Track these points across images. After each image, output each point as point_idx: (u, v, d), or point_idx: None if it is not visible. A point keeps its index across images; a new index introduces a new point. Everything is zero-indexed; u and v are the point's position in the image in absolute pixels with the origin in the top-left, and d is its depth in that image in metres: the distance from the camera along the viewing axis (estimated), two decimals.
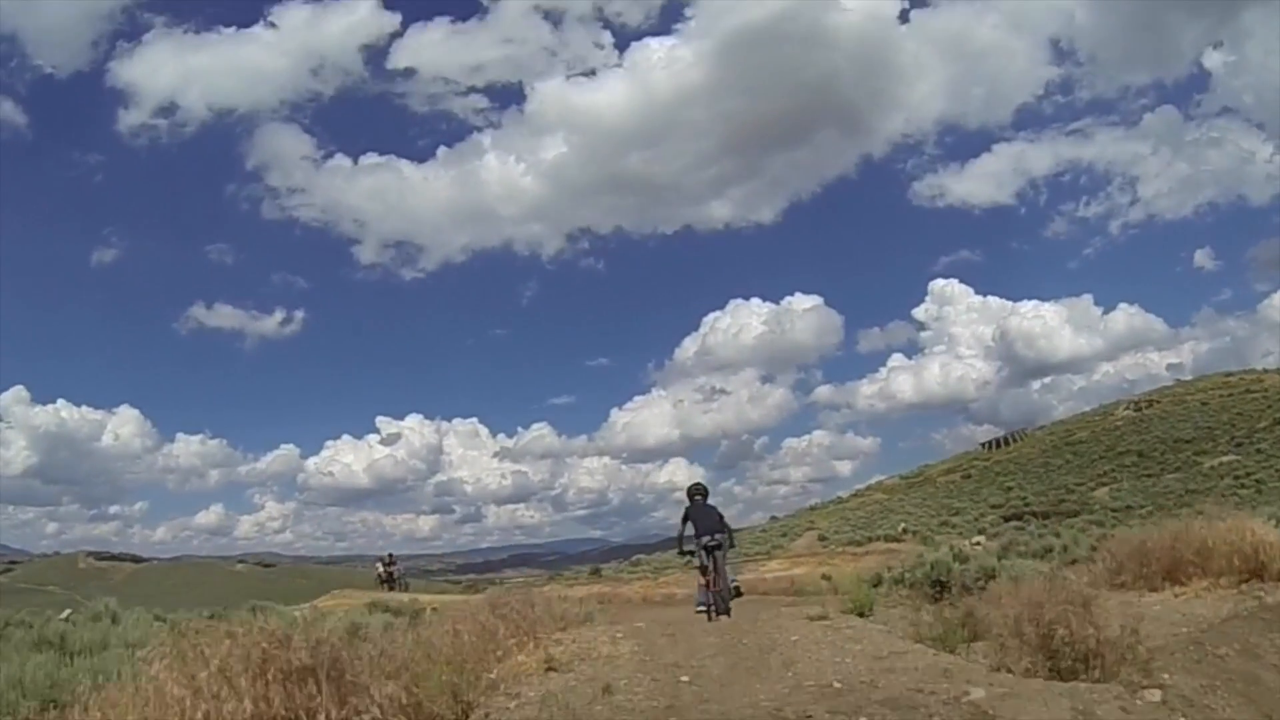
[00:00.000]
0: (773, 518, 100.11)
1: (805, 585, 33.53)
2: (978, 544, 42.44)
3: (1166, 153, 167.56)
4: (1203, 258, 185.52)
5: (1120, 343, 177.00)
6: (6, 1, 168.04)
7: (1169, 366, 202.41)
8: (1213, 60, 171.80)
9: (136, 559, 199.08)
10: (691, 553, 12.56)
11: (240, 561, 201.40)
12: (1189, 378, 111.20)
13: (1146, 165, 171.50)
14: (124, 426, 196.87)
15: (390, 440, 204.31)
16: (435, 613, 29.79)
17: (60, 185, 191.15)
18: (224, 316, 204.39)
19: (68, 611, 19.37)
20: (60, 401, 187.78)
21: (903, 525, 62.65)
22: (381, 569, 41.85)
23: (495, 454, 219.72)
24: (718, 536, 12.43)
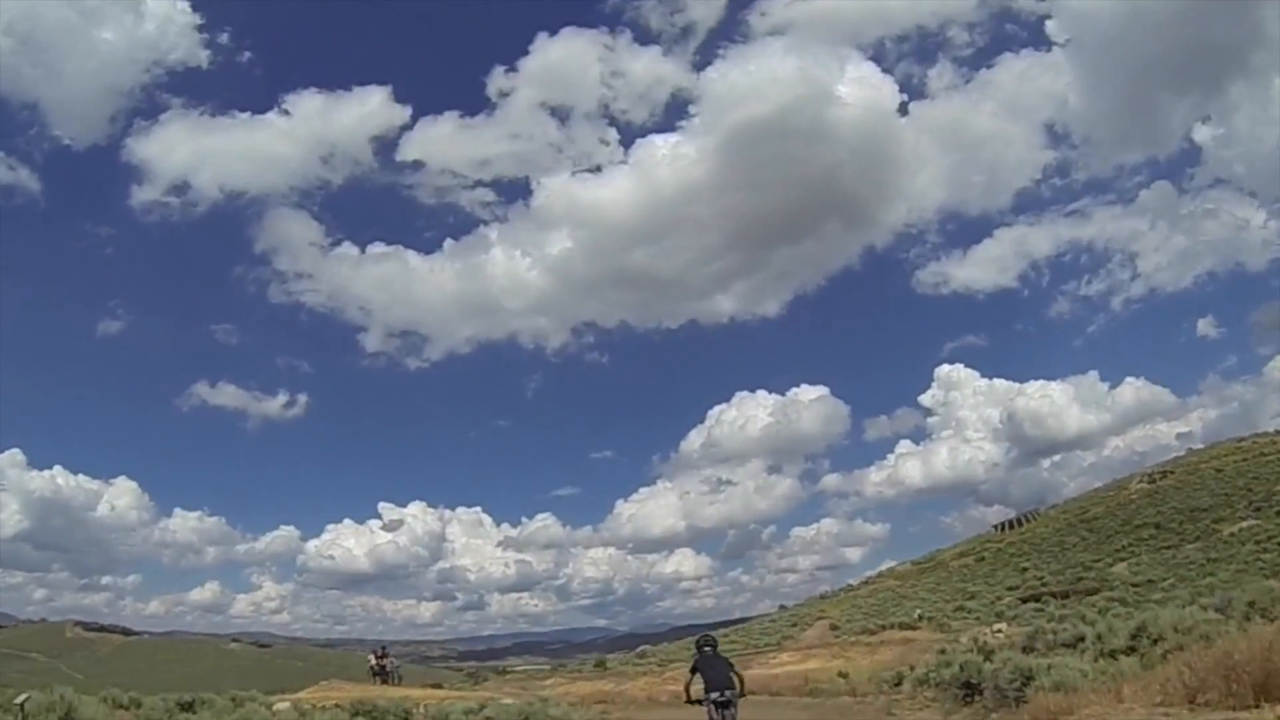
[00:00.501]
0: (782, 606, 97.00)
1: (819, 682, 30.86)
2: (999, 632, 39.85)
3: (1164, 227, 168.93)
4: (1205, 326, 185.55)
5: (1128, 416, 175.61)
6: (29, 69, 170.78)
7: (1178, 436, 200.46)
8: (1202, 134, 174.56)
9: (127, 632, 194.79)
10: (699, 702, 11.61)
11: (235, 640, 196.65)
12: (1200, 446, 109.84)
13: (1145, 240, 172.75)
14: (121, 498, 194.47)
15: (392, 526, 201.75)
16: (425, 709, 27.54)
17: (70, 255, 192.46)
18: (227, 395, 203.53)
19: (25, 696, 17.14)
20: (57, 468, 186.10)
21: (919, 612, 59.66)
22: (374, 661, 39.41)
23: (499, 543, 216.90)
24: (728, 693, 11.49)
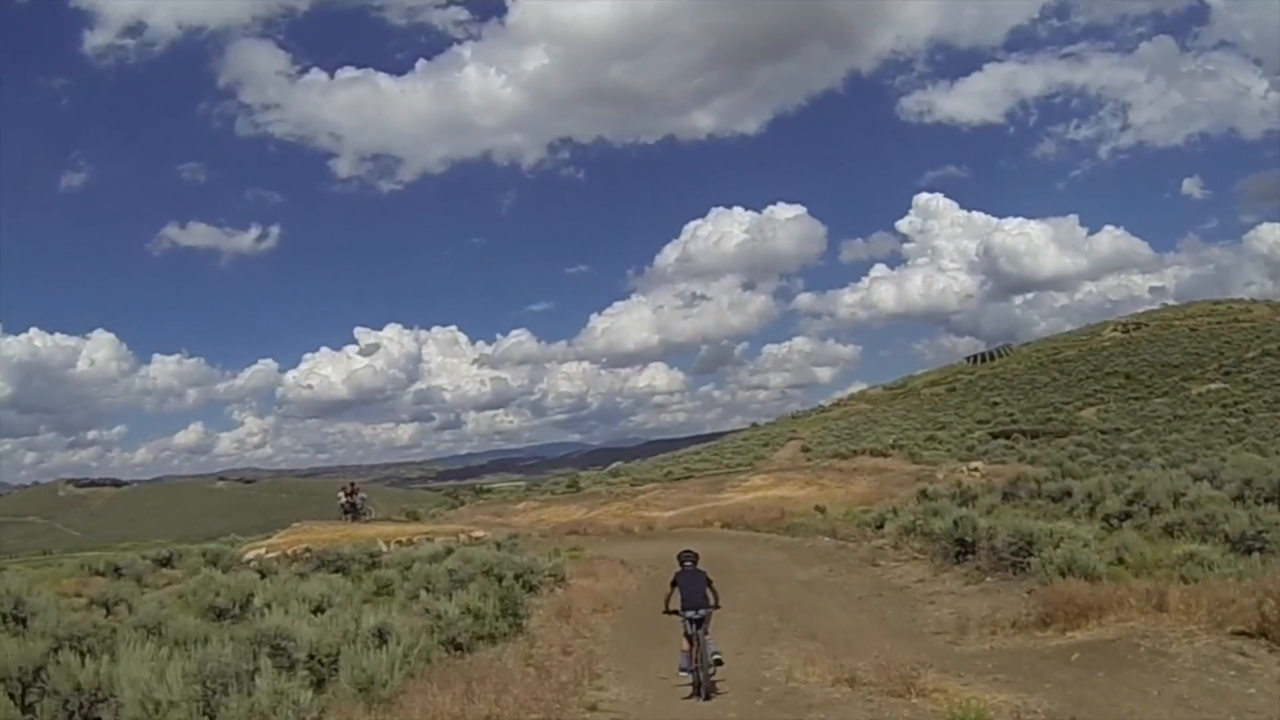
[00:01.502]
0: (754, 424, 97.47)
1: (795, 515, 30.05)
2: (975, 470, 39.30)
3: (1161, 82, 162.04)
4: (1191, 186, 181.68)
5: (1104, 263, 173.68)
6: None
7: (1152, 289, 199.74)
8: None
9: (117, 483, 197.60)
10: (676, 613, 11.88)
11: (220, 479, 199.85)
12: (1172, 302, 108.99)
13: (1140, 93, 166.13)
14: (99, 351, 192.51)
15: (369, 351, 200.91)
16: (392, 551, 26.80)
17: (24, 111, 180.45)
18: (198, 235, 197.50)
19: None
20: (33, 330, 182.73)
21: (894, 438, 59.50)
22: (344, 498, 38.27)
23: (474, 361, 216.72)
24: (702, 611, 11.71)
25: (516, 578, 19.83)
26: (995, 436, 60.73)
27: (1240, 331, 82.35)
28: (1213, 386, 69.66)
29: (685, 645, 11.66)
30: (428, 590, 17.43)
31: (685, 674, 11.52)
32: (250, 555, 28.45)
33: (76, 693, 9.71)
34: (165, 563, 27.94)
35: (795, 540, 25.94)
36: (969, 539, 19.17)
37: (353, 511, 36.99)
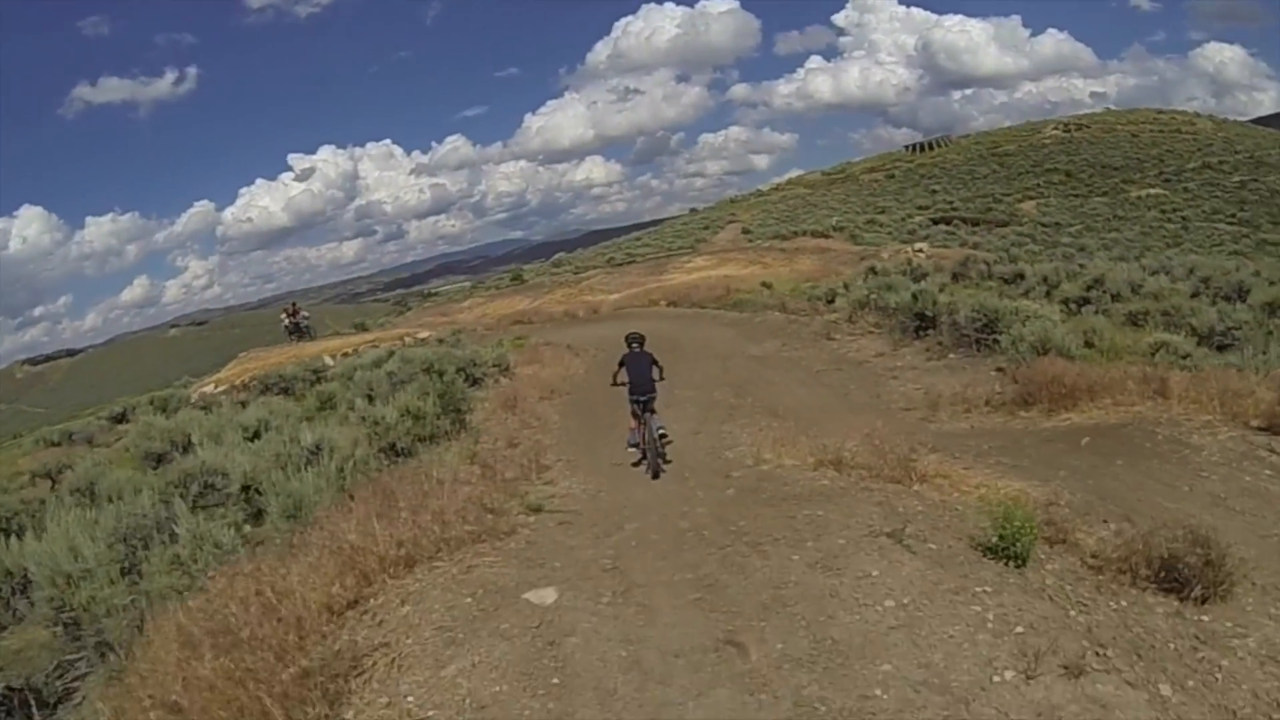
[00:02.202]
0: (692, 209, 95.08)
1: (741, 292, 28.63)
2: (920, 250, 38.19)
3: None
4: None
5: (1045, 65, 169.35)
6: None
7: (1093, 95, 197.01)
8: None
9: (71, 353, 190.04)
10: (625, 384, 11.72)
11: (173, 327, 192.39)
12: (1112, 107, 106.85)
13: None
14: (29, 227, 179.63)
15: (305, 175, 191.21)
16: (337, 363, 25.03)
17: None
18: (111, 90, 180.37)
19: None
20: None
21: (835, 219, 58.16)
22: (286, 319, 36.15)
23: (411, 171, 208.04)
24: (649, 394, 11.47)
25: (459, 372, 18.43)
26: (936, 223, 59.87)
27: (1182, 141, 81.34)
28: (1152, 191, 69.19)
29: (633, 423, 11.59)
30: (369, 398, 16.04)
31: (634, 450, 11.45)
32: (199, 394, 26.75)
33: (8, 578, 8.74)
34: (120, 419, 26.85)
35: (744, 316, 24.55)
36: (929, 314, 17.95)
37: (297, 331, 35.24)
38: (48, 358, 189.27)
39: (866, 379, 15.40)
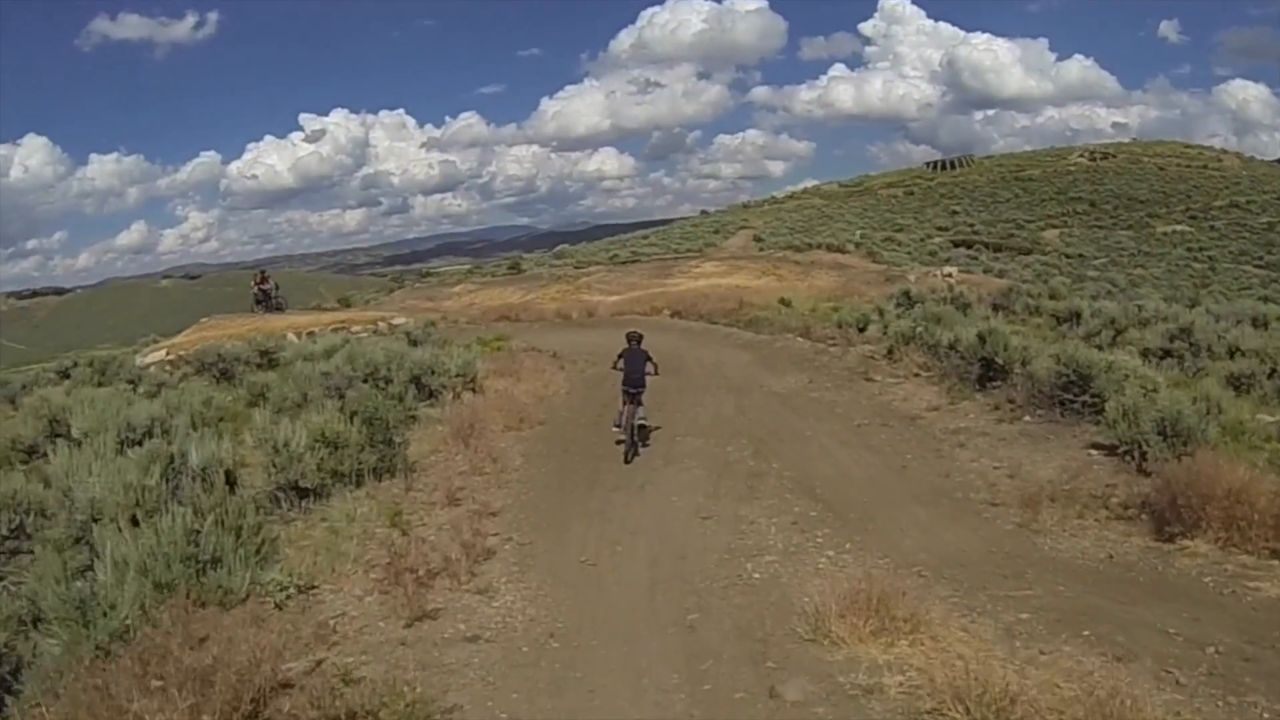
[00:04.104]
0: (704, 211, 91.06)
1: (756, 307, 24.75)
2: (949, 276, 34.32)
3: None
4: (1168, 29, 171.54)
5: (1070, 91, 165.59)
6: None
7: (1115, 124, 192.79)
8: None
9: (60, 291, 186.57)
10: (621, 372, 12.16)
11: (166, 277, 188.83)
12: (1136, 138, 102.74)
13: None
14: (32, 156, 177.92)
15: (315, 137, 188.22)
16: (297, 341, 21.48)
17: None
18: (130, 27, 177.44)
19: None
20: None
21: (860, 232, 54.44)
22: (255, 288, 32.67)
23: (422, 145, 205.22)
24: (639, 388, 11.95)
25: (412, 381, 14.73)
26: (956, 245, 56.08)
27: (1209, 178, 77.33)
28: (1178, 227, 65.40)
29: (621, 406, 11.99)
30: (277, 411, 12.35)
31: (617, 430, 11.91)
32: (150, 359, 23.24)
33: None
34: (65, 374, 23.40)
35: (760, 338, 20.58)
36: (999, 361, 14.08)
37: (265, 301, 31.63)
38: (34, 293, 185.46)
39: (925, 443, 11.49)
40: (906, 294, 24.24)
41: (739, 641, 6.17)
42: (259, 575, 7.21)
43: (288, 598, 7.07)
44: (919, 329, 17.28)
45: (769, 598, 6.86)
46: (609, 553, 8.13)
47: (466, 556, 7.85)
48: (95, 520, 7.82)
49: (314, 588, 7.43)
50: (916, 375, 15.53)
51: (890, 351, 17.07)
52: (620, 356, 12.36)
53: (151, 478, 8.36)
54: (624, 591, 7.24)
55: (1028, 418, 12.57)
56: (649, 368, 12.17)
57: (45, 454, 11.13)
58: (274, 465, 9.58)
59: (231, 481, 9.21)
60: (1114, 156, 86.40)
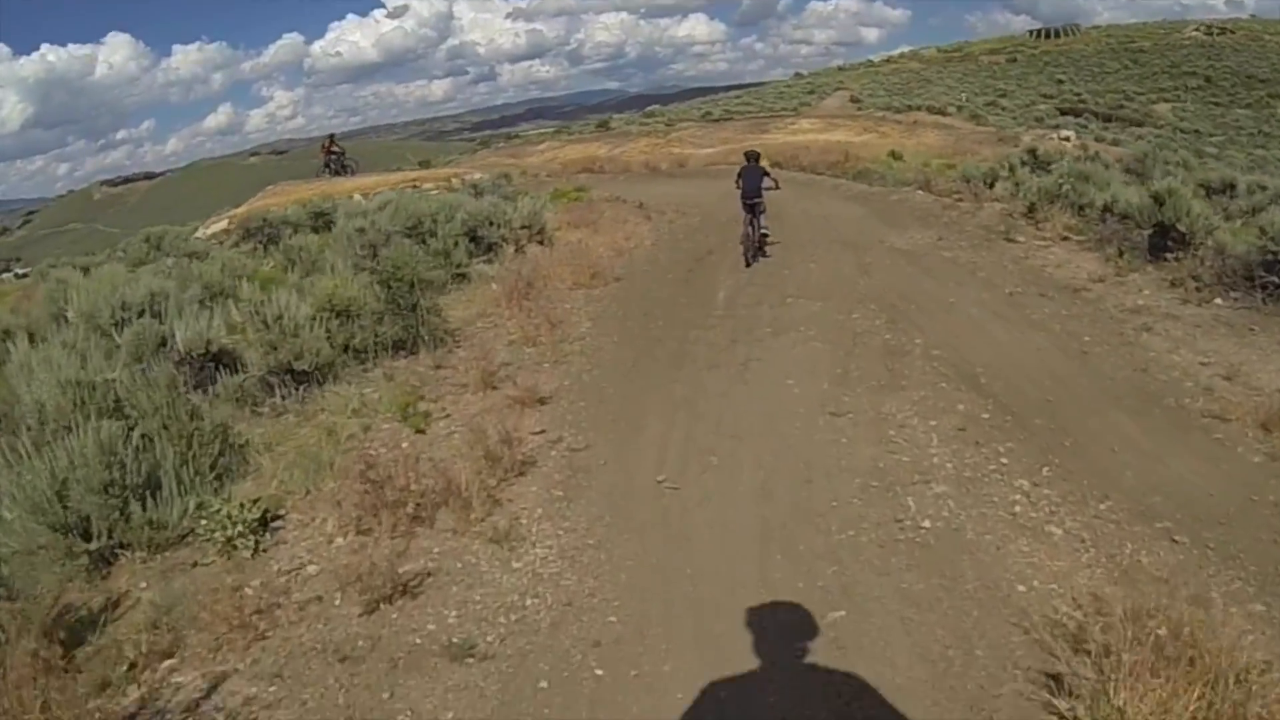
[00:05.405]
0: (798, 74, 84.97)
1: (863, 160, 21.57)
2: (1066, 139, 30.51)
3: None
4: None
5: None
6: None
7: (1229, 1, 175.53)
8: None
9: (150, 175, 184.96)
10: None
11: (254, 155, 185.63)
12: (1254, 15, 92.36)
13: None
14: (116, 54, 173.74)
15: (398, 12, 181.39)
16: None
17: None
18: None
19: None
20: (44, 46, 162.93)
21: (965, 95, 49.63)
22: (323, 154, 29.91)
23: (508, 15, 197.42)
24: (755, 199, 11.98)
25: (466, 234, 12.29)
26: (1063, 113, 50.83)
27: None
28: None
29: (743, 226, 11.96)
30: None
31: (743, 247, 11.88)
32: (212, 230, 21.39)
33: None
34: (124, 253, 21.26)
35: (873, 191, 17.60)
36: (1179, 228, 11.12)
37: (333, 165, 29.17)
38: (126, 180, 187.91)
39: (1101, 323, 8.74)
40: (1033, 152, 20.85)
41: (929, 685, 3.64)
42: (209, 502, 5.10)
43: (238, 535, 4.92)
44: (1065, 186, 14.25)
45: (955, 573, 4.38)
46: (698, 469, 5.72)
47: (489, 472, 5.53)
48: (44, 428, 5.77)
49: (279, 517, 5.26)
50: (1065, 239, 12.64)
51: (1031, 210, 14.12)
52: (739, 175, 12.45)
53: (114, 369, 6.27)
54: (720, 548, 4.76)
55: (1219, 300, 9.74)
56: (767, 181, 12.22)
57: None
58: (267, 345, 7.39)
59: (226, 365, 7.12)
60: (1232, 32, 77.53)
